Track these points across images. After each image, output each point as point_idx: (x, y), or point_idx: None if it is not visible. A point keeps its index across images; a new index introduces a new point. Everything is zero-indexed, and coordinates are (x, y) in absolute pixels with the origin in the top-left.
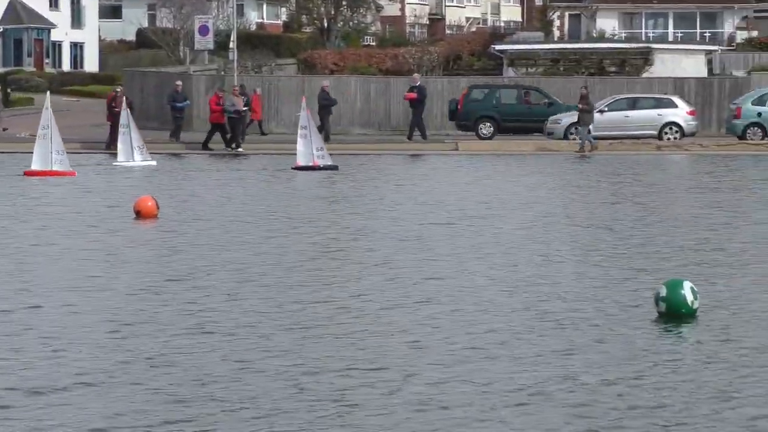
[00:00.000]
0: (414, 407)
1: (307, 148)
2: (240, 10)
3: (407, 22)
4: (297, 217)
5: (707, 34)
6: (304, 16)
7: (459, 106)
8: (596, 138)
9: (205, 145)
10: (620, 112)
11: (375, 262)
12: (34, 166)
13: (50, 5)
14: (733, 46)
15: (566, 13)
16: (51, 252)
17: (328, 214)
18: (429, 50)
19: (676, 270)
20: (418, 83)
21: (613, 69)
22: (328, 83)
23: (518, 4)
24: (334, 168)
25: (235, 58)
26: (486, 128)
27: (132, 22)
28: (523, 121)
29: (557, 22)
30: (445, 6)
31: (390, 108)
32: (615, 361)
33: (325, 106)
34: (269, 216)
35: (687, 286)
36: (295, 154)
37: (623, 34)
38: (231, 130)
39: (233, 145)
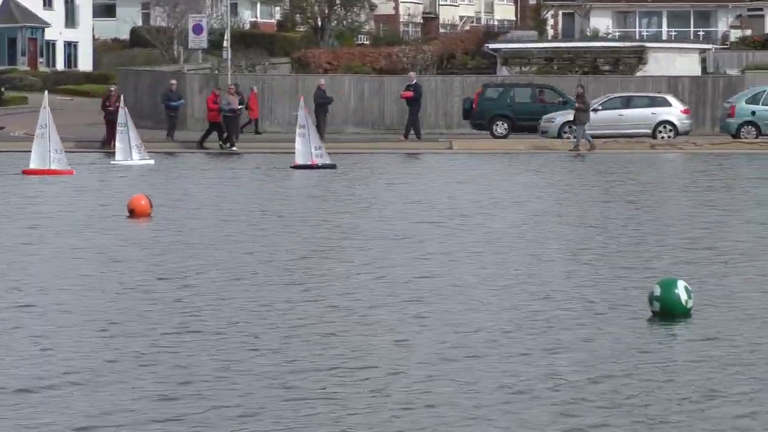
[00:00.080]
0: (401, 406)
1: (306, 147)
2: (234, 9)
3: (401, 20)
4: (289, 215)
5: (701, 33)
6: (297, 15)
7: (474, 105)
8: (591, 136)
9: (200, 144)
10: (614, 110)
11: (365, 260)
12: (33, 165)
13: (44, 4)
14: (726, 44)
15: (560, 12)
16: (44, 251)
17: (320, 213)
18: (423, 49)
19: (667, 269)
20: (414, 81)
21: (606, 68)
22: (324, 81)
23: (512, 3)
24: (332, 167)
25: (229, 57)
26: (501, 127)
27: (126, 21)
28: (538, 119)
29: (551, 21)
30: (439, 5)
31: (384, 107)
32: (602, 360)
33: (322, 104)
34: (262, 214)
35: (681, 285)
36: (290, 152)
37: (617, 33)
38: (226, 128)
39: (227, 144)
